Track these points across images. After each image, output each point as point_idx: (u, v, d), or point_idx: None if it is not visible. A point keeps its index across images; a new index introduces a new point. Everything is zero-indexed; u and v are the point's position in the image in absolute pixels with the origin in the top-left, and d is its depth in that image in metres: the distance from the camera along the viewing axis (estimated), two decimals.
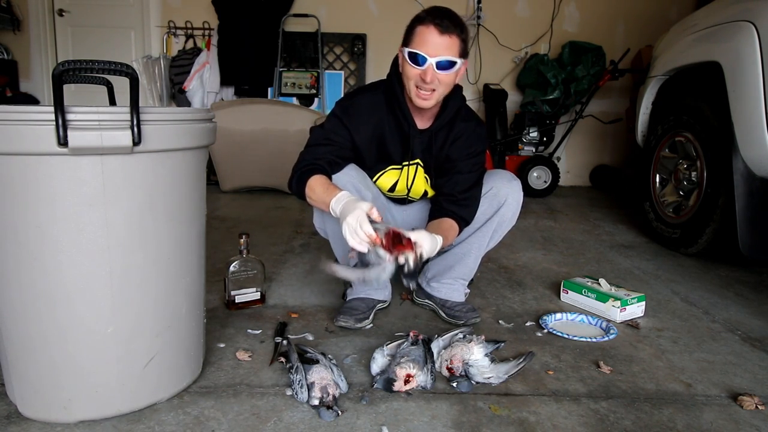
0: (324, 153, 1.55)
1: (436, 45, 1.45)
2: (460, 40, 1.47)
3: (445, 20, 1.44)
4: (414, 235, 1.31)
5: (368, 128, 1.60)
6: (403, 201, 1.79)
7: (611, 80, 4.38)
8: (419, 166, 1.68)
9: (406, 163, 1.66)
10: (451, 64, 1.47)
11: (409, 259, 1.27)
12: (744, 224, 2.15)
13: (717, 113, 2.39)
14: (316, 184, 1.49)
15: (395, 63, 1.60)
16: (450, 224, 1.59)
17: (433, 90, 1.49)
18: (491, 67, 4.95)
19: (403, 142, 1.63)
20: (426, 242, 1.34)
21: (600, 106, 4.90)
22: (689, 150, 2.63)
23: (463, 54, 1.50)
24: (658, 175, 2.89)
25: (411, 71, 1.49)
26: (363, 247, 1.28)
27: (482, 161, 1.68)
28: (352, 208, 1.32)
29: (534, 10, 4.92)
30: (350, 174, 1.57)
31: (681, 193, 2.71)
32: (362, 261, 1.33)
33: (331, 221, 1.60)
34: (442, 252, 1.78)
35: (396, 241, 1.27)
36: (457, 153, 1.64)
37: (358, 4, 4.89)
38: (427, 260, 1.30)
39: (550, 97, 4.49)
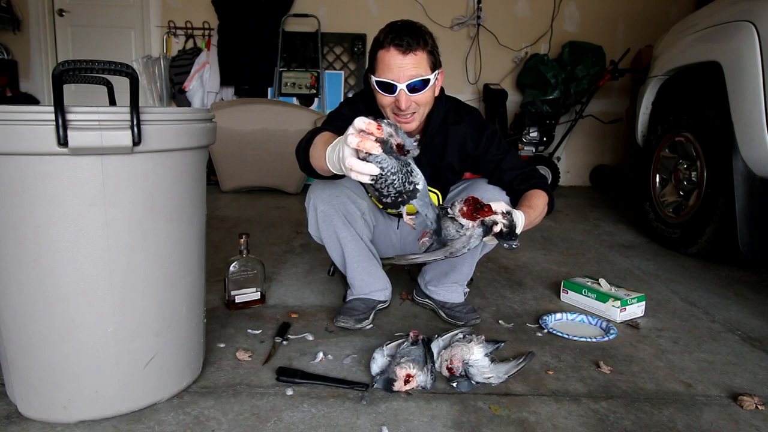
0: (331, 128, 1.42)
1: (402, 67, 1.35)
2: (428, 52, 1.37)
3: (405, 37, 1.33)
4: (494, 205, 1.22)
5: None
6: (397, 216, 1.78)
7: (611, 80, 4.39)
8: None
9: None
10: (424, 83, 1.38)
11: (497, 219, 1.18)
12: (744, 224, 2.15)
13: (717, 113, 2.39)
14: (319, 141, 1.31)
15: (367, 82, 1.48)
16: (533, 193, 1.47)
17: (414, 112, 1.42)
18: (491, 67, 4.95)
19: None
20: (507, 207, 1.24)
21: (600, 106, 4.90)
22: (689, 150, 2.63)
23: (435, 65, 1.40)
24: (658, 175, 2.89)
25: (384, 99, 1.42)
26: (376, 149, 1.01)
27: (500, 140, 1.59)
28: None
29: (534, 10, 4.92)
30: (345, 183, 1.52)
31: (681, 193, 2.71)
32: (439, 241, 1.23)
33: (326, 226, 1.58)
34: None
35: (477, 207, 1.19)
36: (476, 154, 1.57)
37: (358, 4, 4.90)
38: (512, 228, 1.19)
39: (550, 97, 4.50)
